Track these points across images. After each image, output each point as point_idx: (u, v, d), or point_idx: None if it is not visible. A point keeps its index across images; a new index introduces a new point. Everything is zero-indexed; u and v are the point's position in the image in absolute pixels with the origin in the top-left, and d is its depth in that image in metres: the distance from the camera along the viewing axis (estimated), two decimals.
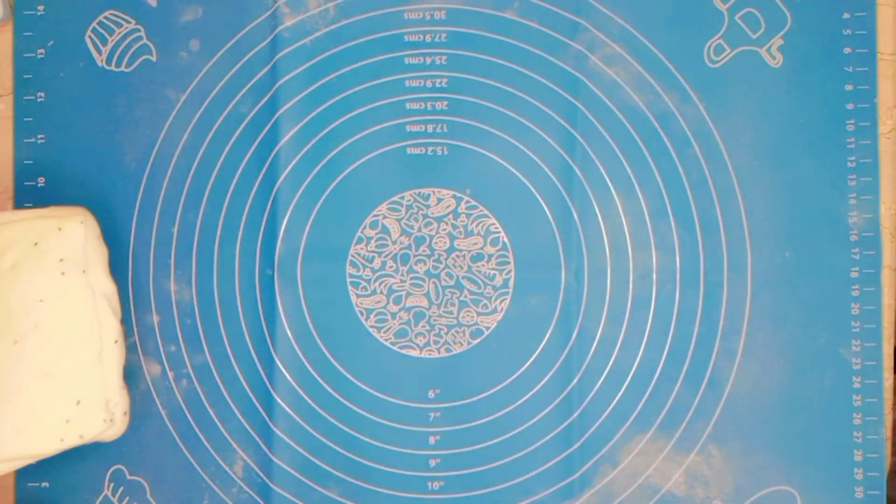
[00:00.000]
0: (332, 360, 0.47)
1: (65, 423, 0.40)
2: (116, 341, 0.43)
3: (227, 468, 0.47)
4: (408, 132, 0.48)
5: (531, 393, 0.47)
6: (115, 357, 0.43)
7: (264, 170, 0.48)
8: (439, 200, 0.48)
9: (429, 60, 0.48)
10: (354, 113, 0.48)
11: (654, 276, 0.47)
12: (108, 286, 0.43)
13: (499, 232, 0.48)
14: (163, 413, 0.47)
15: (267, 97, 0.48)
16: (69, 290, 0.41)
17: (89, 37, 0.48)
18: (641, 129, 0.47)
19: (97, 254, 0.43)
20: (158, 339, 0.47)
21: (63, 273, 0.41)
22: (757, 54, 0.47)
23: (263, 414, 0.47)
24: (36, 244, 0.41)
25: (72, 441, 0.41)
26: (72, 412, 0.40)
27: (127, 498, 0.47)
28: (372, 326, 0.47)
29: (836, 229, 0.47)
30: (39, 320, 0.40)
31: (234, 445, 0.47)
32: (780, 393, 0.47)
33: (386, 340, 0.47)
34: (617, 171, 0.47)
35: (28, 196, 0.48)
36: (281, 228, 0.47)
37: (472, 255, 0.48)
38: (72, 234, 0.42)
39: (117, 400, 0.43)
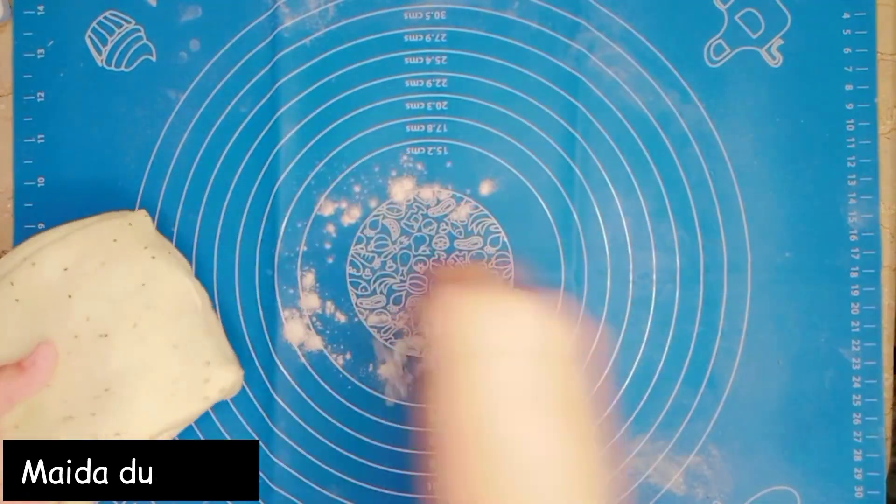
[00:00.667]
0: (332, 361, 0.47)
1: (204, 382, 0.42)
2: (213, 307, 0.45)
3: None
4: (408, 132, 0.48)
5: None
6: (217, 320, 0.45)
7: (264, 170, 0.48)
8: (439, 201, 0.48)
9: (429, 60, 0.48)
10: (354, 113, 0.48)
11: (654, 276, 0.47)
12: (187, 263, 0.45)
13: (499, 232, 0.48)
14: None
15: (267, 97, 0.48)
16: (164, 270, 0.43)
17: (89, 37, 0.48)
18: (641, 129, 0.47)
19: (165, 240, 0.46)
20: None
21: (153, 257, 0.43)
22: (757, 54, 0.47)
23: (263, 414, 0.47)
24: (115, 241, 0.43)
25: (214, 396, 0.42)
26: (207, 372, 0.42)
27: None
28: (372, 326, 0.47)
29: (836, 229, 0.47)
30: (148, 301, 0.42)
31: None
32: (780, 393, 0.47)
33: (386, 340, 0.47)
34: (617, 171, 0.47)
35: (28, 196, 0.48)
36: (281, 229, 0.47)
37: (472, 255, 0.48)
38: (143, 226, 0.44)
39: (233, 354, 0.45)
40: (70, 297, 0.41)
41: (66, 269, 0.41)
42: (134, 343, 0.41)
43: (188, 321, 0.43)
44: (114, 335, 0.41)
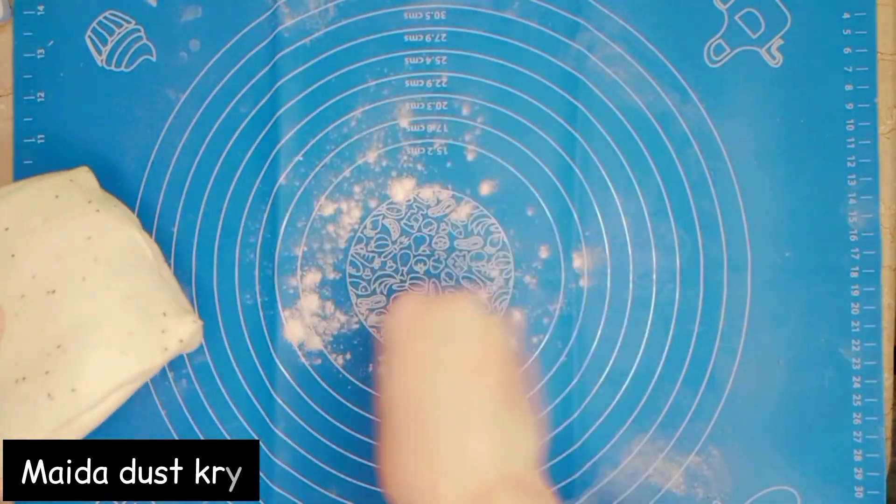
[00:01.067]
0: (332, 361, 0.47)
1: (161, 333, 0.41)
2: (165, 260, 0.44)
3: None
4: (408, 132, 0.48)
5: (531, 393, 0.47)
6: (171, 272, 0.44)
7: (264, 170, 0.48)
8: (439, 201, 0.48)
9: (429, 61, 0.48)
10: (355, 113, 0.48)
11: (654, 276, 0.47)
12: (135, 217, 0.44)
13: (499, 232, 0.48)
14: (163, 413, 0.47)
15: (267, 97, 0.48)
16: (110, 223, 0.42)
17: (89, 37, 0.48)
18: (641, 129, 0.47)
19: (111, 195, 0.44)
20: None
21: (98, 210, 0.42)
22: (757, 54, 0.47)
23: (263, 414, 0.47)
24: (57, 197, 0.42)
25: (174, 347, 0.41)
26: (164, 323, 0.41)
27: None
28: (372, 326, 0.47)
29: (836, 229, 0.47)
30: (96, 254, 0.41)
31: None
32: (780, 393, 0.47)
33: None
34: (617, 171, 0.47)
35: None
36: (281, 228, 0.47)
37: (472, 255, 0.48)
38: (85, 181, 0.43)
39: (190, 305, 0.44)
40: (13, 256, 0.40)
41: (6, 229, 0.40)
42: (83, 298, 0.40)
43: (140, 273, 0.42)
44: (62, 291, 0.40)
